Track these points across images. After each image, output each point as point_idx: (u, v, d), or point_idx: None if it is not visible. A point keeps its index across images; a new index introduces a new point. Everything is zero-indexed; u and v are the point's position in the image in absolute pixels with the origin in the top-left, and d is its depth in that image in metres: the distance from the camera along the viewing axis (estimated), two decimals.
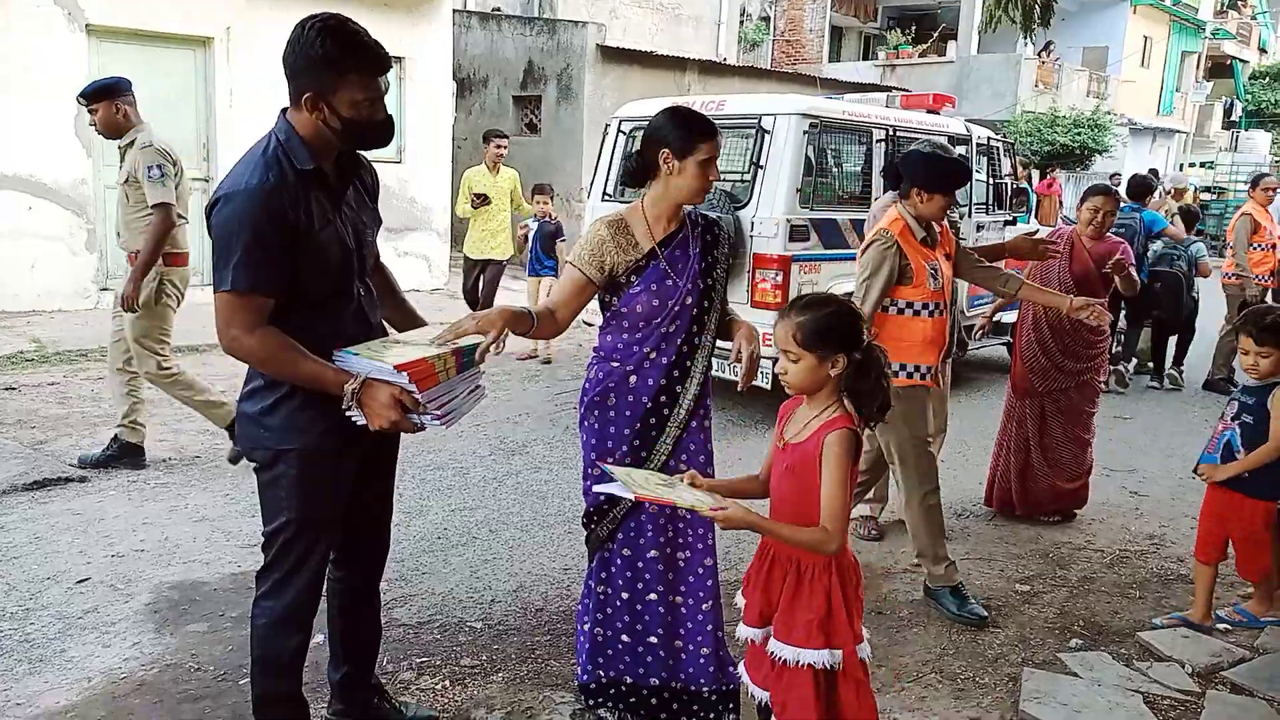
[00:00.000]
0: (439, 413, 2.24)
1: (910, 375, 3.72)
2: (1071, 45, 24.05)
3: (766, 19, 25.34)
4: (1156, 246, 8.02)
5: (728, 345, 2.83)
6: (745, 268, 5.92)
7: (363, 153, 2.41)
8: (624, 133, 6.80)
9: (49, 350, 7.10)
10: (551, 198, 8.14)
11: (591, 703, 2.86)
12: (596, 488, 2.21)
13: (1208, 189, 23.70)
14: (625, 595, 2.77)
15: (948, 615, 3.72)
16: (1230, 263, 7.94)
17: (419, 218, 10.53)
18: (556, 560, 4.10)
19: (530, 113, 12.82)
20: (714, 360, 2.82)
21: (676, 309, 2.69)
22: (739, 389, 2.71)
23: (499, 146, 8.01)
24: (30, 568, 3.72)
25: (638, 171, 2.73)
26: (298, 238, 2.15)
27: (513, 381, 7.26)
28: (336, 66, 2.14)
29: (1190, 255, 7.82)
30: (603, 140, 6.96)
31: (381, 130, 2.26)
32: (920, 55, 23.62)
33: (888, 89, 15.16)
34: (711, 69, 13.40)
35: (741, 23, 21.63)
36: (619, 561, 2.77)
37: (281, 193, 2.13)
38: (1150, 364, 8.11)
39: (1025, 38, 5.30)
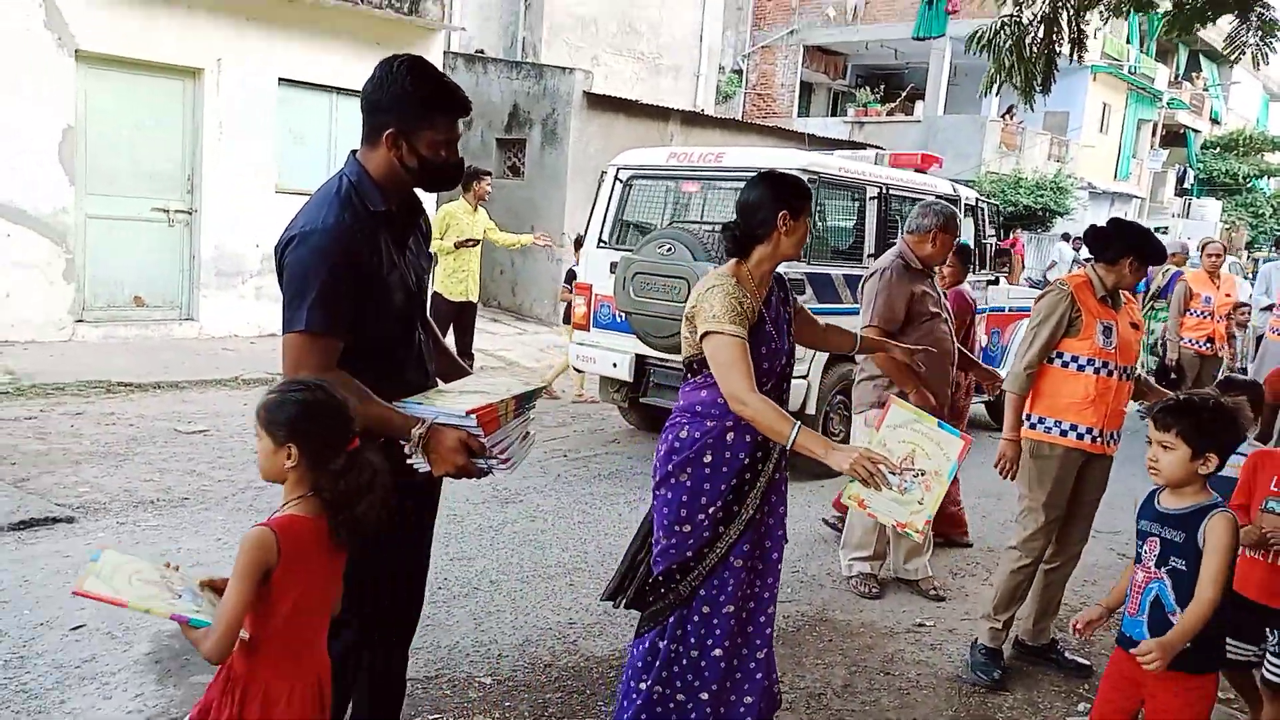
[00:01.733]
0: (502, 457, 2.22)
1: (1065, 434, 3.62)
2: (1034, 110, 24.73)
3: (739, 72, 25.80)
4: None
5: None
6: None
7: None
8: (621, 181, 6.84)
9: (24, 383, 6.89)
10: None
11: None
12: (80, 591, 1.83)
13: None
14: (695, 653, 2.78)
15: (965, 667, 3.77)
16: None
17: (432, 266, 10.47)
18: (560, 614, 4.04)
19: (514, 156, 12.87)
20: None
21: (778, 370, 2.76)
22: None
23: (486, 185, 7.78)
24: (22, 613, 3.58)
25: (745, 238, 2.76)
26: (369, 280, 2.13)
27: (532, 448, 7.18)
28: (423, 106, 2.15)
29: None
30: (598, 188, 7.00)
31: (455, 172, 2.28)
32: (888, 114, 24.12)
33: (859, 145, 15.46)
34: (693, 120, 13.57)
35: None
36: (696, 618, 2.76)
37: (356, 233, 2.11)
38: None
39: (1026, 104, 5.42)
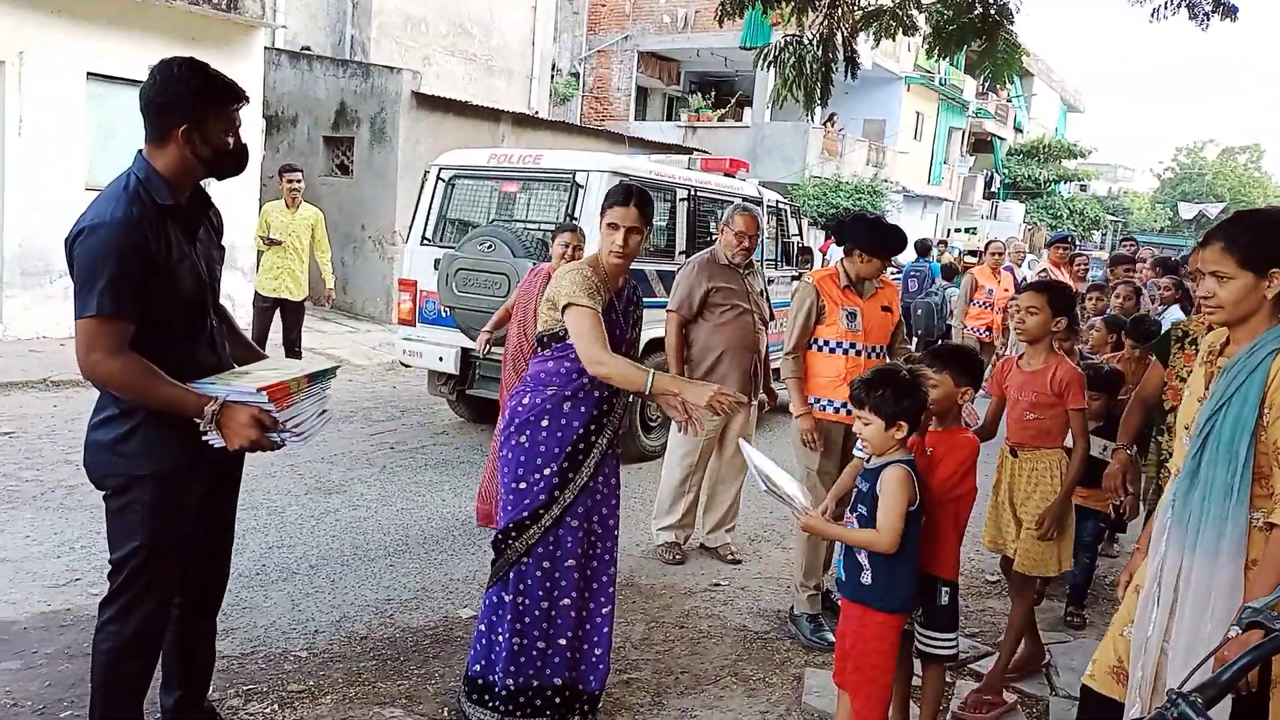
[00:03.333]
0: (296, 430, 2.43)
1: (824, 409, 4.06)
2: (853, 117, 26.18)
3: (576, 75, 26.18)
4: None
5: None
6: None
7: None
8: (443, 180, 7.04)
9: None
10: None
11: (506, 708, 3.05)
12: None
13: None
14: (544, 604, 3.04)
15: (802, 640, 4.06)
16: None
17: (224, 255, 10.26)
18: (379, 591, 4.24)
19: (342, 154, 12.77)
20: None
21: (620, 352, 3.03)
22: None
23: (290, 181, 7.73)
24: None
25: None
26: (158, 268, 2.31)
27: (327, 424, 7.22)
28: (208, 99, 2.36)
29: (945, 295, 9.84)
30: (421, 186, 7.17)
31: (242, 156, 2.49)
32: (719, 119, 25.01)
33: (689, 150, 16.07)
34: (525, 121, 13.80)
35: (552, 77, 22.27)
36: (538, 573, 3.03)
37: (144, 225, 2.28)
38: None
39: (807, 115, 5.97)
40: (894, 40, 5.73)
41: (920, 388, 2.85)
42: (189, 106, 2.36)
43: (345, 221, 12.35)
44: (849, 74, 5.56)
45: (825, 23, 5.50)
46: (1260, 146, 56.35)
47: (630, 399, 3.17)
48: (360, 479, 5.89)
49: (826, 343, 4.10)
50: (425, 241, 7.00)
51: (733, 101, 25.75)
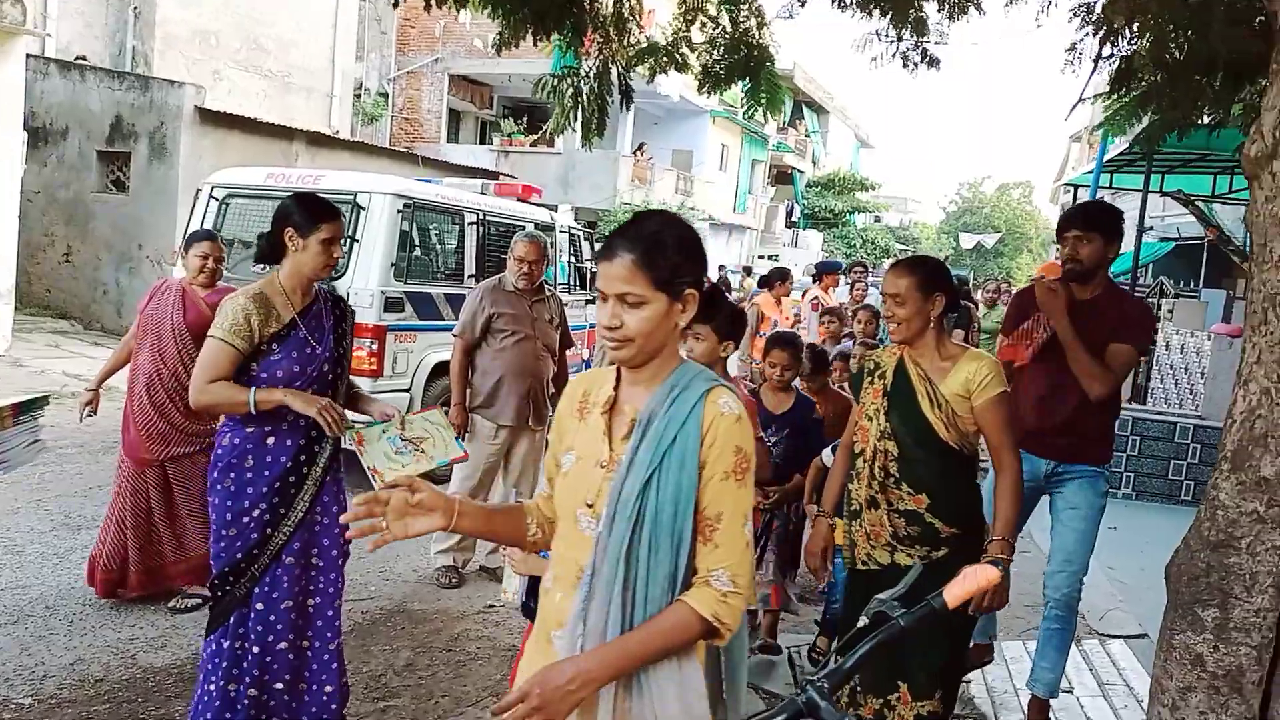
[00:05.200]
0: None
1: None
2: (662, 147, 26.94)
3: (386, 95, 25.67)
4: None
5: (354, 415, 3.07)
6: None
7: None
8: (215, 199, 6.77)
9: None
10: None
11: None
12: None
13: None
14: (257, 649, 2.92)
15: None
16: None
17: None
18: (122, 631, 4.01)
19: (118, 169, 12.00)
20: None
21: (315, 374, 2.93)
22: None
23: None
24: None
25: (271, 250, 2.94)
26: None
27: (84, 455, 6.77)
28: None
29: None
30: (193, 205, 6.87)
31: None
32: (532, 145, 25.17)
33: (497, 175, 16.08)
34: (321, 141, 13.41)
35: (359, 96, 21.79)
36: (253, 616, 2.91)
37: None
38: None
39: (585, 144, 6.13)
40: (667, 75, 5.97)
41: None
42: None
43: (120, 240, 11.65)
44: (624, 106, 5.76)
45: (600, 56, 5.67)
46: (1031, 183, 61.67)
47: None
48: None
49: None
50: None
51: (545, 128, 25.96)
